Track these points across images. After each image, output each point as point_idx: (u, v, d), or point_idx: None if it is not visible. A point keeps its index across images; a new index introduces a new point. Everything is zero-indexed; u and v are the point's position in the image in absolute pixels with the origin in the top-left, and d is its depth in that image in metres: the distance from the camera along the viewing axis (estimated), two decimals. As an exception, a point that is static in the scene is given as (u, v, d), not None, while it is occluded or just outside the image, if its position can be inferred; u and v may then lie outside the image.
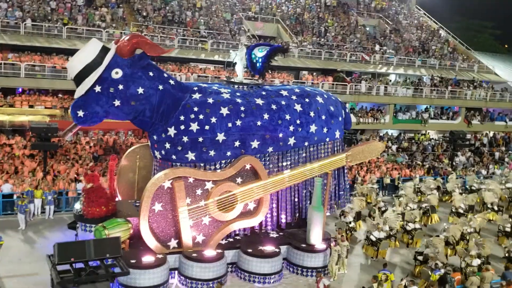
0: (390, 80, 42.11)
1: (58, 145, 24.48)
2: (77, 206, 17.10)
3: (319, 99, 18.24)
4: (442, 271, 15.96)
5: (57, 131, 22.67)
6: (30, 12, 31.34)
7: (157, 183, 15.29)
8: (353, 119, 37.57)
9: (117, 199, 18.49)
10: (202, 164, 16.16)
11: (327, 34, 43.02)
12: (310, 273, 16.68)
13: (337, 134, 18.63)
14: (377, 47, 43.55)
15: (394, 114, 39.83)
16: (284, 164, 17.48)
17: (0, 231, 18.77)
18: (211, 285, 15.31)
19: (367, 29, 48.20)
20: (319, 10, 46.62)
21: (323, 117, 18.01)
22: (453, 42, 51.25)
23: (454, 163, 34.62)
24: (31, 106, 28.60)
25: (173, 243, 15.78)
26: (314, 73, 39.15)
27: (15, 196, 20.60)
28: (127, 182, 18.59)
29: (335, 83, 37.68)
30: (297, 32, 41.98)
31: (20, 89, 29.85)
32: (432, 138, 41.63)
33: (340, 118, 18.75)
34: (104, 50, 14.91)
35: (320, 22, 44.83)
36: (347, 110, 19.62)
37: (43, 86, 28.69)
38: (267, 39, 39.26)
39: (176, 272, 15.72)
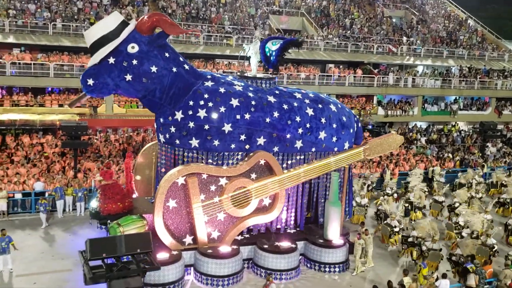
0: (418, 72, 41.39)
1: (88, 143, 24.86)
2: (93, 204, 16.91)
3: (333, 107, 17.75)
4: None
5: (87, 129, 23.00)
6: (58, 12, 31.85)
7: (170, 179, 15.18)
8: (381, 111, 37.32)
9: (134, 196, 18.64)
10: (204, 152, 15.92)
11: (353, 26, 42.49)
12: (328, 269, 16.52)
13: (346, 145, 18.01)
14: (404, 39, 42.80)
15: (423, 106, 39.14)
16: (288, 167, 17.03)
17: (32, 228, 19.19)
18: (226, 281, 15.24)
19: (394, 20, 47.43)
20: (344, 2, 46.06)
21: (334, 126, 17.47)
22: (482, 31, 49.96)
23: (485, 155, 33.81)
24: (60, 105, 29.12)
25: (188, 239, 15.68)
26: (341, 66, 38.76)
27: (46, 194, 21.02)
28: (144, 179, 18.63)
29: (362, 75, 37.25)
30: (323, 25, 41.59)
31: (49, 89, 30.43)
32: (462, 130, 40.75)
33: (351, 130, 18.16)
34: (124, 24, 14.84)
35: (345, 14, 44.30)
36: (359, 125, 19.01)
37: (71, 85, 29.11)
38: (292, 33, 39.03)
39: (192, 268, 15.64)
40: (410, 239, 17.97)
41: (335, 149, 17.68)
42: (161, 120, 16.03)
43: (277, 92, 17.25)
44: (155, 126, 16.74)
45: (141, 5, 35.77)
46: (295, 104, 17.02)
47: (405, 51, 41.29)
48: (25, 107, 28.20)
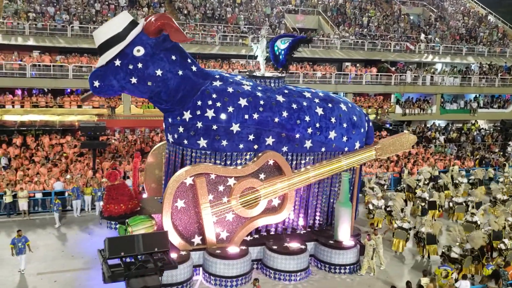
0: (437, 69, 40.90)
1: (107, 143, 25.12)
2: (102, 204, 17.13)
3: (343, 106, 17.46)
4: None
5: (105, 130, 23.26)
6: (76, 15, 32.27)
7: (178, 179, 15.08)
8: (399, 110, 36.98)
9: (144, 196, 18.72)
10: (212, 153, 15.79)
11: (370, 24, 42.18)
12: (338, 270, 16.30)
13: (357, 145, 17.70)
14: (422, 36, 42.34)
15: (442, 104, 38.67)
16: (298, 167, 16.82)
17: (52, 227, 19.47)
18: (234, 282, 15.06)
19: (411, 17, 46.95)
20: (360, 0, 45.75)
21: (344, 125, 17.17)
22: (503, 27, 49.14)
23: (506, 153, 33.26)
24: (79, 106, 29.51)
25: (196, 239, 15.59)
26: (357, 64, 38.52)
27: (66, 194, 21.32)
28: (154, 179, 18.65)
29: (379, 73, 36.97)
30: (339, 24, 41.37)
31: (68, 90, 30.84)
32: (482, 128, 40.17)
33: (362, 130, 17.82)
34: (132, 24, 14.72)
35: (362, 12, 44.00)
36: (370, 124, 18.64)
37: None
38: (308, 32, 38.91)
39: (201, 269, 15.54)
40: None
41: (346, 149, 17.41)
42: (170, 120, 15.99)
43: (286, 91, 17.02)
44: (164, 126, 16.71)
45: (158, 6, 36.03)
46: (305, 103, 16.78)
47: (423, 48, 40.83)
48: (45, 108, 28.64)
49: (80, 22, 31.65)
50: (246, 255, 15.51)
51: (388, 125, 35.20)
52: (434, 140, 35.06)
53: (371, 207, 20.86)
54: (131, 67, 14.66)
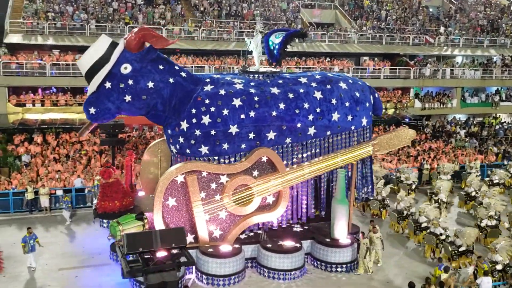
0: (457, 62, 40.25)
1: (125, 140, 25.36)
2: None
3: (343, 84, 17.09)
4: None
5: (124, 127, 23.47)
6: (94, 14, 32.60)
7: (168, 177, 15.02)
8: (418, 104, 36.50)
9: (140, 194, 18.78)
10: (216, 158, 15.70)
11: (388, 17, 41.69)
12: (335, 269, 16.00)
13: (364, 121, 17.40)
14: (441, 29, 41.69)
15: (462, 98, 38.08)
16: (305, 155, 16.61)
17: (74, 223, 19.76)
18: (227, 281, 14.94)
19: (430, 10, 46.24)
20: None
21: (347, 104, 16.82)
22: (526, 18, 48.08)
23: (529, 147, 32.61)
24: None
25: (189, 238, 15.44)
26: (376, 59, 38.13)
27: (86, 190, 21.62)
28: (150, 177, 18.64)
29: (397, 67, 36.55)
30: (356, 17, 40.99)
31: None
32: (504, 122, 39.42)
33: (367, 104, 17.43)
34: (113, 46, 14.78)
35: (379, 6, 43.51)
36: (376, 95, 18.22)
37: (109, 84, 29.69)
38: (325, 26, 38.64)
39: (193, 267, 15.36)
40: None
41: (352, 127, 17.13)
42: (169, 131, 15.92)
43: (280, 81, 16.73)
44: (165, 138, 16.67)
45: (175, 3, 36.17)
46: (301, 90, 16.50)
47: (443, 41, 40.19)
48: (64, 107, 29.02)
49: (98, 21, 31.95)
50: (239, 253, 15.27)
51: (407, 120, 34.80)
52: (454, 135, 34.56)
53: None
54: (122, 85, 14.68)
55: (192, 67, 30.89)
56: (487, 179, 25.52)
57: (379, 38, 38.23)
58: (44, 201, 20.64)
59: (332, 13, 41.70)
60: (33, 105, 28.76)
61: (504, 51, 41.39)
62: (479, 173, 26.42)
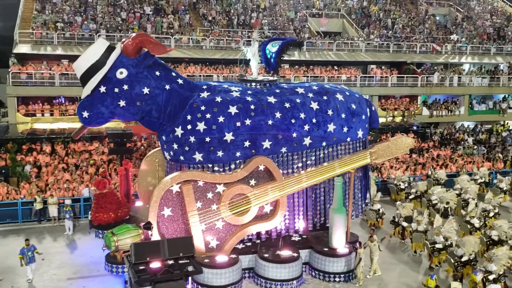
0: (464, 70, 40.17)
1: (134, 149, 25.46)
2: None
3: (339, 96, 17.10)
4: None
5: (132, 136, 23.58)
6: (103, 24, 32.89)
7: (163, 187, 14.79)
8: (426, 112, 36.41)
9: (138, 204, 18.68)
10: (210, 165, 15.50)
11: (395, 26, 41.74)
12: (332, 279, 15.79)
13: (360, 133, 17.39)
14: (452, 36, 41.63)
15: (470, 105, 37.96)
16: (300, 165, 16.50)
17: (82, 233, 19.79)
18: None
19: (437, 18, 46.25)
20: (385, 2, 45.32)
21: (343, 116, 16.84)
22: (533, 26, 47.93)
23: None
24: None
25: None
26: (383, 67, 38.14)
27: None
28: (147, 187, 18.53)
29: (404, 75, 36.53)
30: (363, 26, 41.07)
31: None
32: (512, 129, 39.23)
33: (363, 117, 17.46)
34: (110, 50, 14.77)
35: (386, 14, 43.59)
36: (373, 108, 18.28)
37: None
38: (332, 35, 38.75)
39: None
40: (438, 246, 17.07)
41: (348, 139, 17.09)
42: (164, 138, 15.84)
43: (277, 90, 16.71)
44: (160, 145, 16.58)
45: (183, 13, 36.42)
46: (298, 100, 16.50)
47: (450, 49, 40.16)
48: (73, 116, 29.20)
49: (106, 31, 32.22)
50: (235, 263, 15.07)
51: (415, 127, 34.71)
52: (462, 142, 34.42)
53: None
54: (116, 90, 14.64)
55: (200, 76, 31.07)
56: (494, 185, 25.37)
57: (386, 46, 38.26)
58: (53, 211, 20.71)
59: (339, 22, 41.82)
60: (42, 115, 29.00)
61: (511, 58, 41.30)
62: (482, 179, 26.25)
